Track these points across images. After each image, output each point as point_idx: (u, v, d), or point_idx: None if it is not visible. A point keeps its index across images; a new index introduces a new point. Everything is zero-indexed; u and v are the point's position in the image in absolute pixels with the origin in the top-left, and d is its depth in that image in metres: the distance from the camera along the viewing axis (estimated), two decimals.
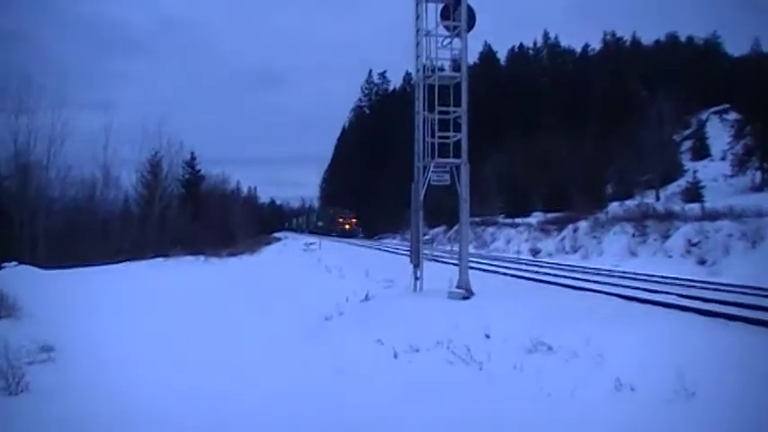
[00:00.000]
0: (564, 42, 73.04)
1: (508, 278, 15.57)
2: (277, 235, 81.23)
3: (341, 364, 6.94)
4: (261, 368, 6.95)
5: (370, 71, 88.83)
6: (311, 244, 38.21)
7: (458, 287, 10.58)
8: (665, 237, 20.06)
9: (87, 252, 27.32)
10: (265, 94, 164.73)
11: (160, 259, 27.00)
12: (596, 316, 7.95)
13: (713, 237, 17.69)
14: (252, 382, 6.40)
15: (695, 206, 24.57)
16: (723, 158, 46.18)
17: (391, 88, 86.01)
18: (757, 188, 35.00)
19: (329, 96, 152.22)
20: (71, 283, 15.79)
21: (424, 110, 11.21)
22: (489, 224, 36.35)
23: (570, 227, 26.87)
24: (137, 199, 41.94)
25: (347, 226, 74.43)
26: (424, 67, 11.49)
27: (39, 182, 32.74)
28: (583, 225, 26.06)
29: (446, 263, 14.51)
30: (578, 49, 71.85)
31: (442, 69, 11.65)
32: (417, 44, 11.55)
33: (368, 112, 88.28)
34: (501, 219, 38.31)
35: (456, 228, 11.52)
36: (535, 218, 34.74)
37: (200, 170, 49.39)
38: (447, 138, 11.10)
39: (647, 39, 69.94)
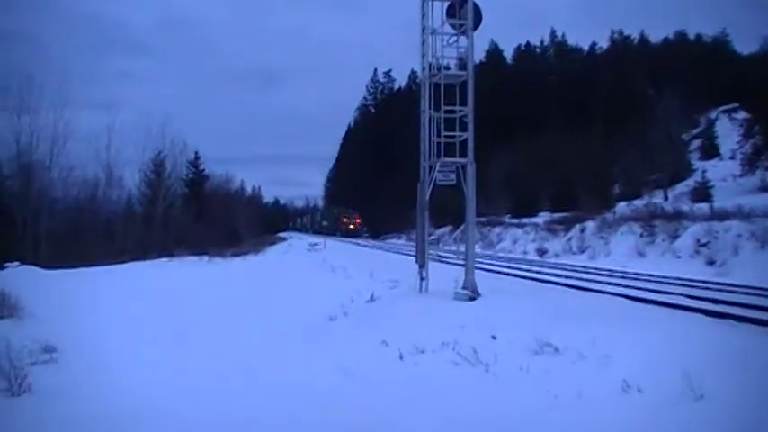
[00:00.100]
0: (571, 41, 72.98)
1: (514, 279, 15.56)
2: (281, 235, 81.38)
3: (346, 366, 6.95)
4: (264, 369, 6.96)
5: (375, 70, 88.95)
6: (315, 244, 38.25)
7: (464, 288, 10.58)
8: (674, 237, 20.00)
9: (90, 252, 27.43)
10: (269, 92, 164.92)
11: (163, 259, 27.08)
12: (603, 317, 7.94)
13: (722, 237, 17.62)
14: (255, 383, 6.42)
15: (704, 206, 24.49)
16: (732, 158, 45.95)
17: (396, 87, 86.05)
18: (766, 188, 34.82)
19: (334, 95, 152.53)
20: (74, 284, 15.83)
21: (429, 109, 11.21)
22: (495, 224, 36.32)
23: (577, 227, 26.82)
24: (140, 199, 42.09)
25: (351, 226, 74.46)
26: (430, 65, 11.49)
27: (41, 182, 32.85)
28: (590, 225, 26.00)
29: (452, 263, 14.51)
30: (585, 48, 71.73)
31: (447, 68, 11.65)
32: (423, 42, 11.54)
33: (373, 111, 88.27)
34: (507, 219, 38.27)
35: (462, 228, 11.49)
36: (542, 218, 34.70)
37: (203, 170, 49.58)
38: (453, 137, 11.10)
39: (655, 37, 69.70)
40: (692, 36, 69.99)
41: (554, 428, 4.94)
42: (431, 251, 11.97)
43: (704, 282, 13.58)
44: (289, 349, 8.02)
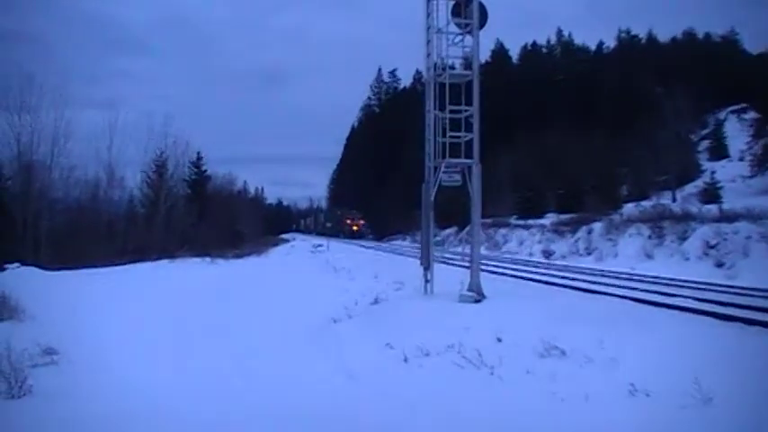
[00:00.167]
0: (578, 40, 72.85)
1: (520, 281, 15.56)
2: (285, 236, 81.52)
3: (349, 368, 6.97)
4: (267, 371, 6.98)
5: (380, 69, 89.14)
6: (319, 246, 38.34)
7: (469, 290, 10.58)
8: (682, 239, 19.95)
9: (91, 253, 27.41)
10: (273, 92, 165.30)
11: (165, 261, 27.11)
12: (610, 320, 7.94)
13: (731, 239, 17.57)
14: (258, 385, 6.43)
15: (713, 207, 24.40)
16: (741, 159, 45.77)
17: (401, 87, 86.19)
18: None
19: (338, 95, 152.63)
20: (75, 285, 15.86)
21: (434, 109, 11.21)
22: (501, 225, 36.32)
23: (584, 228, 26.79)
24: (142, 199, 42.06)
25: (355, 227, 74.57)
26: (435, 65, 11.49)
27: (42, 182, 32.75)
28: (597, 226, 25.97)
29: (457, 265, 14.51)
30: (592, 47, 71.59)
31: (453, 67, 11.66)
32: (428, 42, 11.55)
33: (377, 111, 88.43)
34: (513, 220, 38.26)
35: (467, 229, 11.50)
36: (548, 219, 34.66)
37: (206, 170, 49.49)
38: (458, 137, 11.10)
39: (663, 36, 69.54)
40: (700, 35, 69.90)
41: None
42: (436, 253, 11.97)
43: (713, 284, 13.56)
44: (291, 351, 8.03)
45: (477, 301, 10.20)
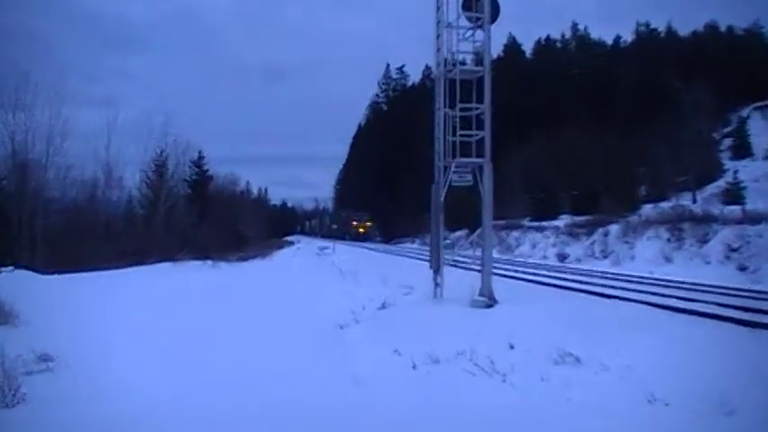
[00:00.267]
0: (594, 34, 72.73)
1: (533, 285, 15.53)
2: (289, 239, 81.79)
3: (356, 375, 6.97)
4: (271, 378, 6.98)
5: (388, 65, 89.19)
6: (325, 248, 38.42)
7: (480, 294, 10.58)
8: (703, 241, 19.86)
9: (88, 256, 27.47)
10: (276, 90, 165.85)
11: (165, 264, 27.22)
12: (627, 325, 7.92)
13: (755, 241, 17.48)
14: (262, 392, 6.44)
15: (735, 208, 24.28)
16: (766, 157, 45.57)
17: (410, 83, 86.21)
18: None
19: (345, 92, 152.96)
20: (71, 289, 15.92)
21: (444, 106, 11.22)
22: (514, 228, 36.25)
23: (600, 231, 26.71)
24: (141, 200, 42.22)
25: (361, 229, 74.66)
26: (445, 60, 11.50)
27: (37, 182, 32.78)
28: (614, 229, 25.89)
29: (468, 269, 14.49)
30: (609, 41, 71.47)
31: (463, 63, 11.65)
32: (438, 36, 11.57)
33: (385, 108, 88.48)
34: (526, 222, 38.20)
35: (478, 231, 11.49)
36: (563, 221, 34.59)
37: (207, 170, 49.67)
38: (469, 136, 11.10)
39: (683, 29, 69.22)
40: (722, 28, 69.36)
41: None
42: (446, 256, 11.96)
43: (736, 289, 13.47)
44: (297, 358, 8.05)
45: (489, 306, 10.19)
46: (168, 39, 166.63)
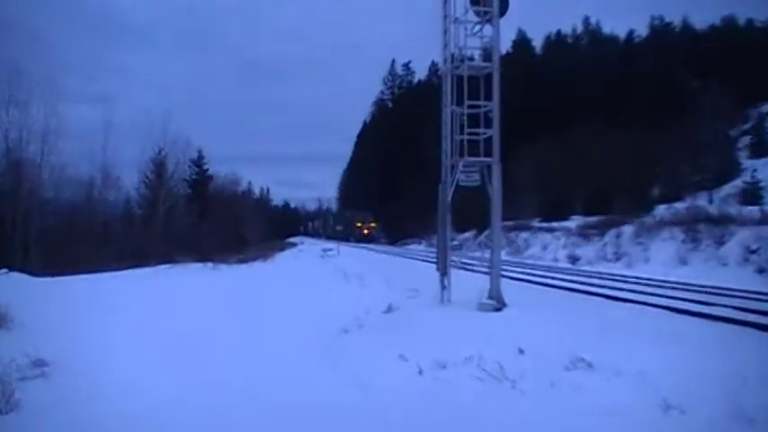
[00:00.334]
0: (606, 28, 72.59)
1: (544, 288, 15.50)
2: (292, 240, 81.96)
3: (361, 381, 6.97)
4: (273, 384, 6.99)
5: (393, 61, 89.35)
6: (329, 250, 38.45)
7: (489, 298, 10.56)
8: (720, 243, 19.80)
9: (84, 258, 27.54)
10: (279, 87, 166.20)
11: (164, 266, 27.30)
12: (641, 330, 7.90)
13: None
14: (264, 399, 6.45)
15: (754, 209, 24.20)
16: None
17: (416, 80, 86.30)
18: None
19: (349, 90, 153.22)
20: (67, 292, 15.95)
21: (451, 103, 11.21)
22: (523, 229, 36.24)
23: (613, 232, 26.67)
24: (139, 201, 42.39)
25: (366, 230, 74.81)
26: (452, 56, 11.48)
27: (32, 182, 32.73)
28: (627, 230, 25.85)
29: (476, 271, 14.49)
30: (622, 36, 71.27)
31: (471, 59, 11.64)
32: (445, 32, 11.54)
33: (391, 105, 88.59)
34: (536, 223, 38.16)
35: (487, 233, 11.47)
36: (574, 222, 34.57)
37: (207, 169, 49.91)
38: (477, 134, 11.08)
39: (700, 23, 68.87)
40: (741, 21, 68.98)
41: None
42: (453, 258, 11.95)
43: (755, 292, 13.41)
44: (300, 363, 8.05)
45: (498, 310, 10.18)
46: (168, 35, 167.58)
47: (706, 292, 13.54)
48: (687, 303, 11.49)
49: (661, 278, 17.58)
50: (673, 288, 14.74)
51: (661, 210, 31.04)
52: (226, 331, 10.33)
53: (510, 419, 5.50)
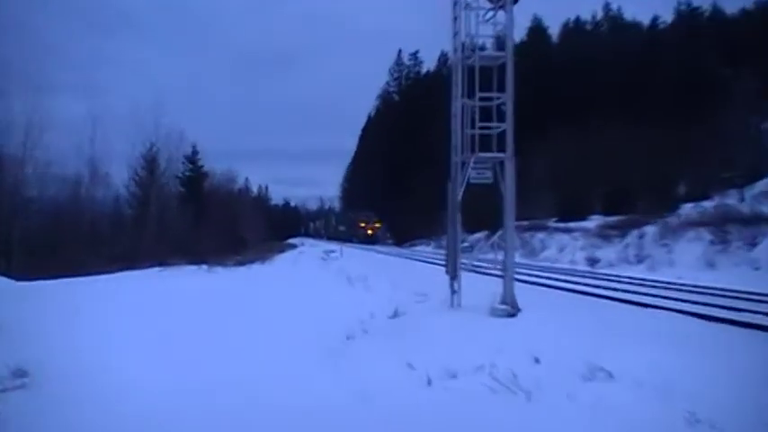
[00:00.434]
0: (628, 14, 72.33)
1: (560, 293, 15.50)
2: (292, 241, 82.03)
3: (365, 391, 6.97)
4: (272, 395, 7.00)
5: (400, 51, 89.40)
6: (331, 252, 38.51)
7: (502, 302, 10.57)
8: (752, 245, 19.76)
9: (70, 261, 27.58)
10: (279, 79, 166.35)
11: (156, 269, 27.38)
12: (665, 338, 7.89)
13: None
14: (263, 411, 6.46)
15: None
16: None
17: (424, 71, 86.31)
18: None
19: (353, 81, 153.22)
20: (51, 297, 15.98)
21: (462, 96, 11.21)
22: (539, 229, 36.23)
23: (635, 232, 26.65)
24: (129, 199, 42.42)
25: (370, 231, 74.92)
26: (463, 45, 11.49)
27: (14, 179, 32.61)
28: (650, 230, 25.82)
29: (488, 274, 14.49)
30: (646, 23, 71.02)
31: (483, 48, 11.65)
32: (455, 19, 11.55)
33: (397, 98, 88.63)
34: (552, 223, 38.12)
35: (500, 233, 11.47)
36: (593, 221, 34.53)
37: (202, 166, 50.06)
38: (489, 128, 11.09)
39: (730, 7, 68.45)
40: None
41: None
42: (464, 260, 11.96)
43: None
44: (300, 372, 8.06)
45: (512, 316, 10.18)
46: (161, 21, 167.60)
47: (736, 298, 13.50)
48: (715, 309, 11.48)
49: (687, 282, 17.54)
50: (700, 293, 14.71)
51: (687, 209, 30.96)
52: (219, 338, 10.32)
53: None
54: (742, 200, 34.80)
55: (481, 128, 11.06)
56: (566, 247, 31.72)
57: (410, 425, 5.96)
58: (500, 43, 11.57)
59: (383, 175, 75.61)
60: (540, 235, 35.41)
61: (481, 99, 11.06)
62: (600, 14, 73.81)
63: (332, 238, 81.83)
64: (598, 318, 10.01)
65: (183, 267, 27.68)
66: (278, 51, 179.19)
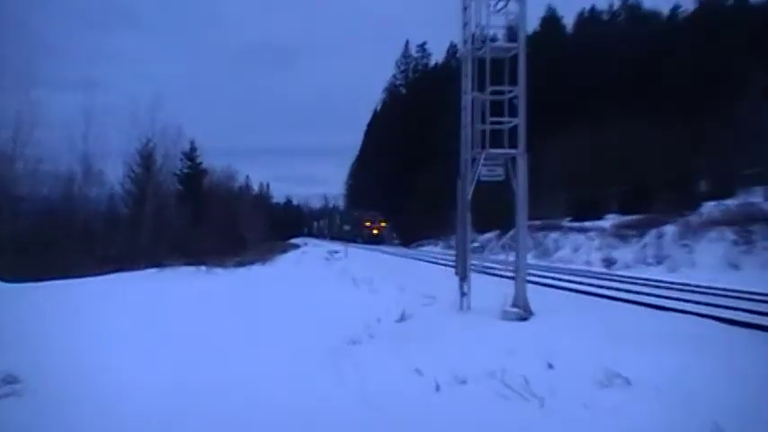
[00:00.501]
0: (647, 3, 72.00)
1: (575, 295, 15.48)
2: (294, 241, 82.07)
3: (371, 398, 6.98)
4: (272, 402, 7.01)
5: (407, 42, 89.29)
6: (335, 252, 38.57)
7: (513, 305, 10.56)
8: None
9: (63, 262, 27.57)
10: (280, 73, 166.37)
11: (153, 270, 27.42)
12: (686, 343, 7.85)
13: None
14: (266, 417, 6.47)
15: None
16: None
17: (432, 63, 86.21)
18: None
19: (358, 75, 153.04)
20: (42, 300, 16.01)
21: (472, 89, 11.20)
22: (552, 228, 36.15)
23: (653, 232, 26.58)
24: (124, 198, 42.40)
25: (375, 230, 74.98)
26: (473, 36, 11.48)
27: (3, 176, 32.62)
28: (669, 230, 25.75)
29: (499, 275, 14.49)
30: (666, 12, 70.73)
31: (494, 39, 11.63)
32: (465, 9, 11.54)
33: (404, 91, 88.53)
34: (566, 222, 38.02)
35: (511, 233, 11.47)
36: (609, 221, 34.39)
37: (201, 163, 50.12)
38: (501, 123, 11.08)
39: None
40: None
41: None
42: (474, 261, 11.96)
43: None
44: (302, 378, 8.07)
45: (524, 319, 10.18)
46: (158, 12, 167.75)
47: (761, 301, 13.45)
48: (738, 313, 11.44)
49: (708, 284, 17.47)
50: (722, 296, 14.66)
51: (709, 207, 30.81)
52: (217, 342, 10.35)
53: None
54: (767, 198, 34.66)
55: (492, 123, 11.06)
56: (580, 248, 31.65)
57: (418, 431, 5.97)
58: (512, 34, 11.54)
59: (389, 172, 75.59)
60: (554, 235, 35.35)
61: (492, 92, 11.05)
62: (617, 4, 73.57)
63: (336, 237, 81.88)
64: (615, 322, 9.97)
65: (180, 268, 27.71)
66: (280, 44, 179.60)
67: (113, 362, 8.93)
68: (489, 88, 11.02)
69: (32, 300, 16.04)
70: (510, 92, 11.06)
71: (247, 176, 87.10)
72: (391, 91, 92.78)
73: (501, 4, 11.24)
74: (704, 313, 11.23)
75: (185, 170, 48.28)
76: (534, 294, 11.17)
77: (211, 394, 7.27)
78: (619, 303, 13.57)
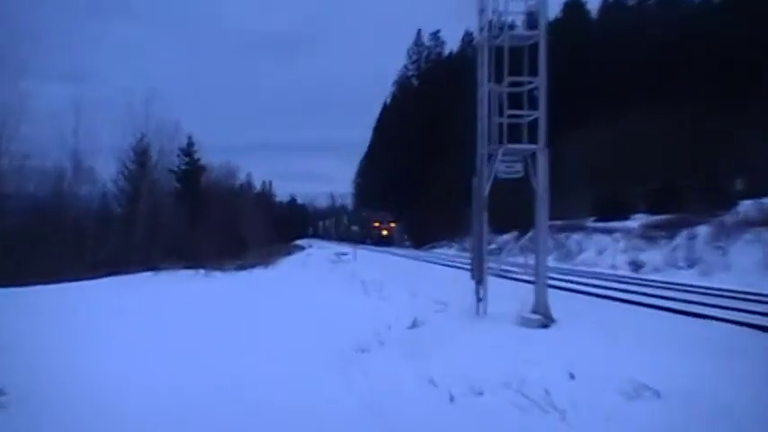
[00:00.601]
0: None
1: (599, 300, 15.45)
2: (299, 243, 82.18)
3: (381, 409, 7.00)
4: (278, 414, 7.04)
5: (419, 31, 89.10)
6: (343, 254, 38.60)
7: (533, 311, 10.56)
8: None
9: (52, 264, 27.69)
10: (283, 64, 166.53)
11: (148, 273, 27.55)
12: (719, 352, 7.85)
13: None
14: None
15: None
16: None
17: (446, 52, 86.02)
18: None
19: (367, 67, 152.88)
20: (30, 306, 16.12)
21: (489, 80, 11.20)
22: (575, 229, 36.05)
23: (684, 233, 26.48)
24: (118, 196, 42.54)
25: (385, 231, 75.02)
26: (490, 23, 11.47)
27: None
28: (702, 231, 25.64)
29: (518, 279, 14.47)
30: None
31: (513, 27, 11.62)
32: None
33: (416, 83, 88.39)
34: (590, 222, 37.90)
35: (531, 234, 11.46)
36: (636, 221, 34.27)
37: (199, 159, 50.26)
38: (519, 116, 11.07)
39: None
40: None
41: None
42: (491, 264, 11.96)
43: None
44: (308, 388, 8.09)
45: (544, 326, 10.17)
46: (156, 2, 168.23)
47: None
48: None
49: (744, 289, 17.38)
50: (759, 302, 14.60)
51: (745, 206, 30.66)
52: (217, 350, 10.40)
53: None
54: None
55: (510, 116, 11.04)
56: (605, 250, 31.55)
57: None
58: (532, 21, 11.52)
59: (400, 169, 75.53)
60: (577, 236, 35.25)
61: (510, 84, 11.04)
62: None
63: (343, 239, 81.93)
64: (643, 329, 9.95)
65: (177, 272, 27.83)
66: (284, 36, 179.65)
67: (104, 372, 8.98)
68: (507, 79, 11.01)
69: (20, 306, 16.11)
70: (530, 83, 11.05)
71: (248, 173, 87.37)
72: (402, 83, 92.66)
73: None
74: (737, 320, 11.20)
75: (182, 167, 48.39)
76: (555, 300, 11.15)
77: (214, 401, 7.30)
78: (647, 310, 13.53)
